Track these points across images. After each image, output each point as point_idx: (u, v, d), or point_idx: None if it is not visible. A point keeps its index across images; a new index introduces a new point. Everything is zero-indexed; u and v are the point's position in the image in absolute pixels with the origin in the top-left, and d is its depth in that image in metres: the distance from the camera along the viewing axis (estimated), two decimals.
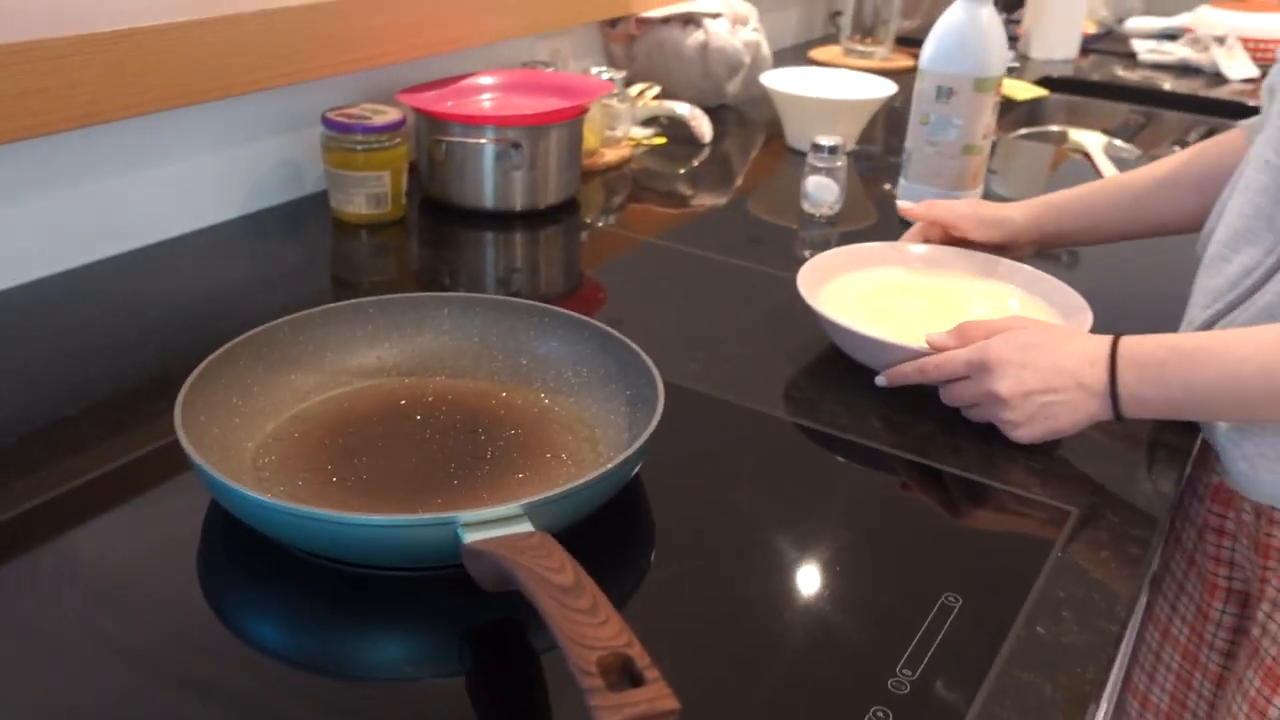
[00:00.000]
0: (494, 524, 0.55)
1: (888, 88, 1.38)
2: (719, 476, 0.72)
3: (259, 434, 0.70)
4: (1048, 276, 0.91)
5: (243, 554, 0.62)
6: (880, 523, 0.69)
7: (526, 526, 0.55)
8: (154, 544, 0.63)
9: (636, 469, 0.67)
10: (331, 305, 0.77)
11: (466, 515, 0.55)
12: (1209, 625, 0.88)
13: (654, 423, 0.64)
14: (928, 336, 0.79)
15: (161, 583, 0.60)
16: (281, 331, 0.75)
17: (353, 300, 0.78)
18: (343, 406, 0.74)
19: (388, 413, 0.74)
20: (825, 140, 1.14)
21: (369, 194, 1.06)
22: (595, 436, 0.72)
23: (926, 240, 0.99)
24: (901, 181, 1.17)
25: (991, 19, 1.09)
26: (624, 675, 0.42)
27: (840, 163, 1.15)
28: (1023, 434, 0.75)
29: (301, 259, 1.04)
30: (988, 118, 1.12)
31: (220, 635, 0.57)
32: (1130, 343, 0.72)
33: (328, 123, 1.05)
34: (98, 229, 0.97)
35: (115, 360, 0.82)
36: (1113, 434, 0.78)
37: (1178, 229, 0.96)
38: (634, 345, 0.72)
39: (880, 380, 0.81)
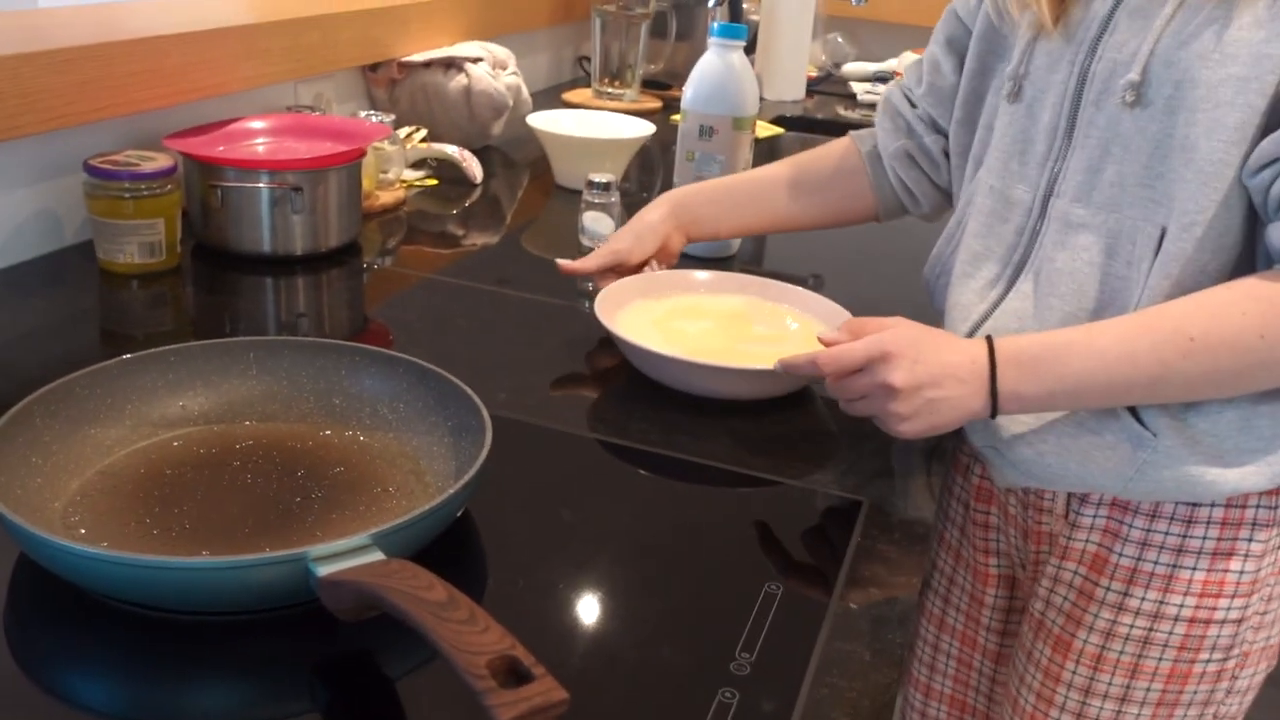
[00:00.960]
0: (345, 555, 0.56)
1: (646, 128, 1.46)
2: (543, 498, 0.75)
3: (65, 492, 0.67)
4: (817, 295, 1.00)
5: (58, 612, 0.59)
6: (700, 527, 0.74)
7: (379, 555, 0.57)
8: None
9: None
10: (130, 355, 0.75)
11: (318, 549, 0.56)
12: (984, 610, 0.99)
13: (486, 445, 0.67)
14: (820, 335, 0.80)
15: None
16: (78, 385, 0.71)
17: (152, 349, 0.76)
18: (151, 458, 0.72)
19: (202, 461, 0.72)
20: (599, 177, 1.20)
21: (141, 243, 1.02)
22: (420, 469, 0.73)
23: (608, 284, 1.00)
24: None
25: (743, 64, 1.19)
26: (512, 675, 0.45)
27: (614, 198, 1.21)
28: (907, 428, 0.75)
29: (68, 314, 0.99)
30: (746, 153, 1.21)
31: (42, 700, 0.54)
32: (1004, 342, 0.76)
33: (92, 170, 1.01)
34: None
35: None
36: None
37: (798, 226, 1.07)
38: (453, 377, 0.74)
39: (777, 367, 0.82)
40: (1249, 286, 0.72)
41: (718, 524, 0.75)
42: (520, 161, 1.60)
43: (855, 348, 0.76)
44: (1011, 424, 0.83)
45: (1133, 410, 0.78)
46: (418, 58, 1.51)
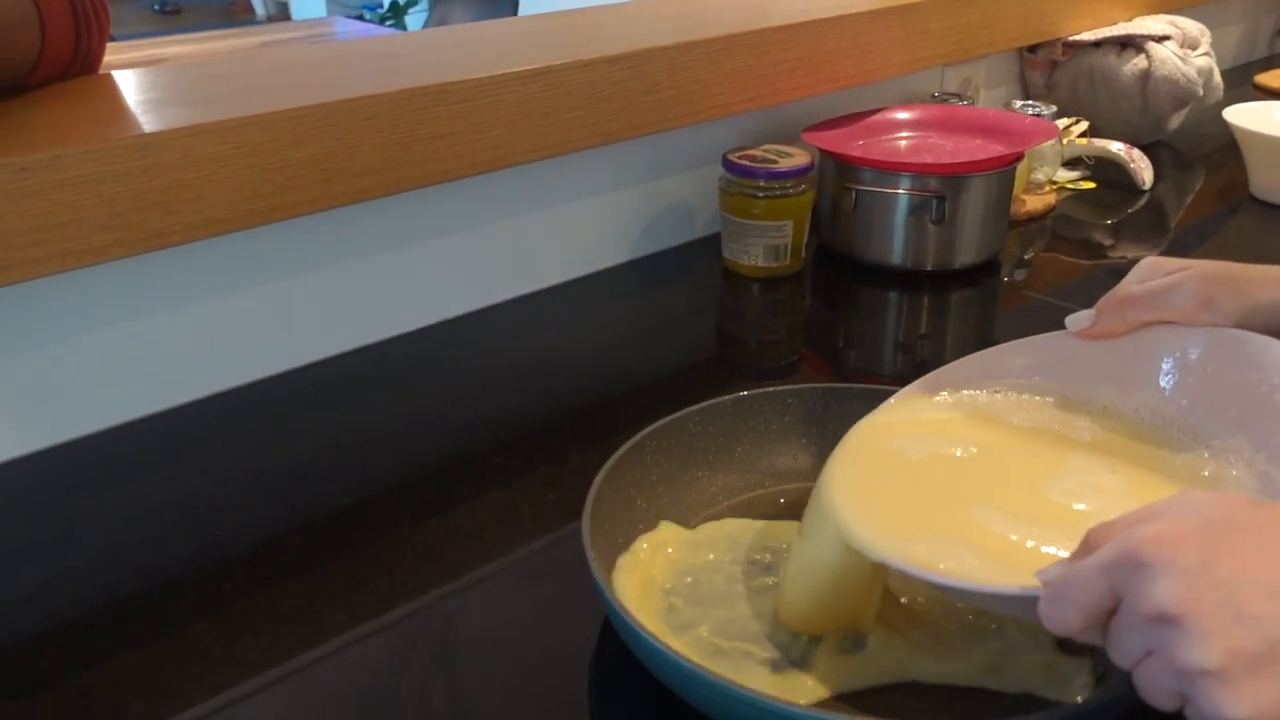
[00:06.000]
0: None
1: None
2: None
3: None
4: None
5: (644, 681, 0.52)
6: None
7: None
8: (544, 637, 0.55)
9: None
10: (745, 393, 0.67)
11: None
12: None
13: None
14: (1039, 574, 0.42)
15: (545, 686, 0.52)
16: (691, 422, 0.65)
17: (770, 388, 0.68)
18: (753, 514, 0.63)
19: None
20: None
21: (767, 245, 0.96)
22: None
23: None
24: None
25: None
26: None
27: None
28: (1237, 701, 0.35)
29: (689, 310, 0.96)
30: None
31: None
32: None
33: (729, 165, 0.96)
34: (491, 275, 0.93)
35: (501, 407, 0.76)
36: None
37: None
38: None
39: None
40: None
41: None
42: (1198, 162, 1.32)
43: (1085, 567, 0.40)
44: None
45: None
46: (1087, 36, 1.30)
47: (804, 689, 0.50)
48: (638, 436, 0.62)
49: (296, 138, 0.72)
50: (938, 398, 0.60)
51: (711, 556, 0.59)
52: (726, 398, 0.66)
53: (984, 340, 0.91)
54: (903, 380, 0.61)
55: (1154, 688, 0.38)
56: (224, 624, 0.57)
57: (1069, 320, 0.60)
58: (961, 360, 0.62)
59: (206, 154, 0.69)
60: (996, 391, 0.61)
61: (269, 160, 0.72)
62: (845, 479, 0.55)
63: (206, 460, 0.72)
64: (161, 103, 0.75)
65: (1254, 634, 0.35)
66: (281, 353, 0.82)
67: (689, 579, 0.58)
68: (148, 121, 0.69)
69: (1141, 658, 0.38)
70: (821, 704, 0.50)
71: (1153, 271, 0.58)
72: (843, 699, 0.50)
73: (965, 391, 0.61)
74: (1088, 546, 0.41)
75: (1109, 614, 0.39)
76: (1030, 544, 0.48)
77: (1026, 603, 0.42)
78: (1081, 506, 0.51)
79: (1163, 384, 0.57)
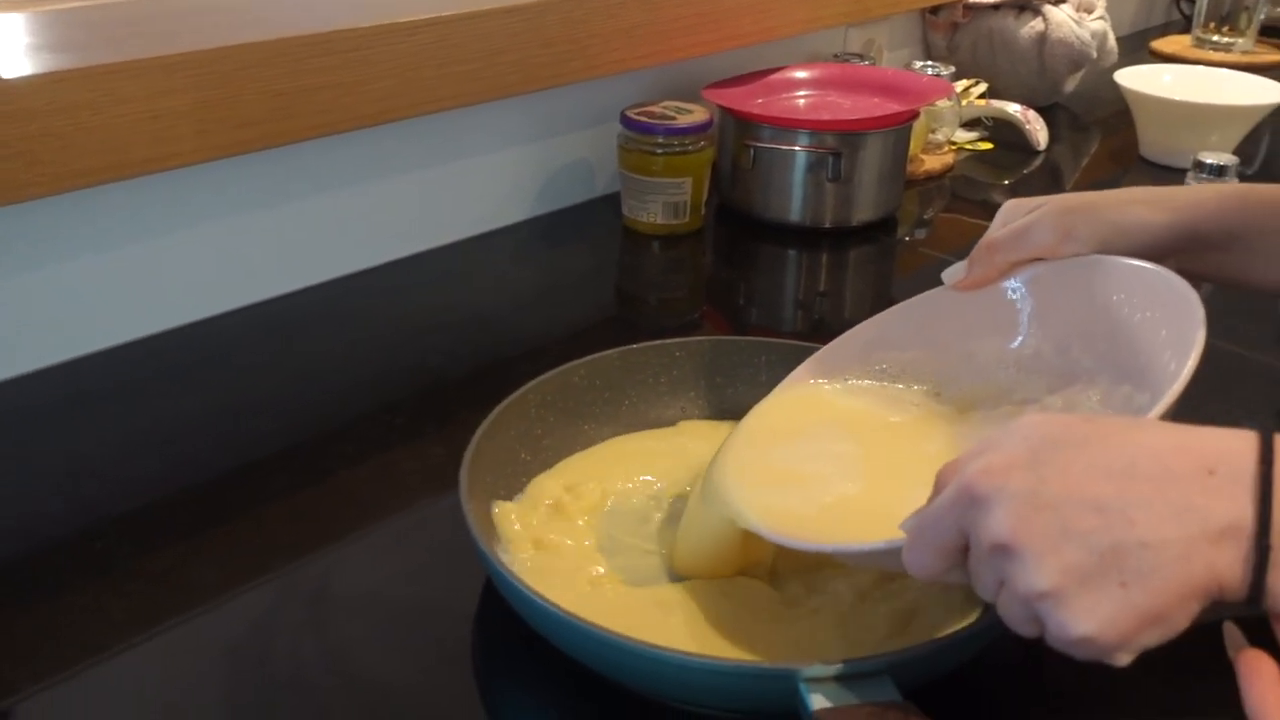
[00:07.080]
0: (846, 684, 0.43)
1: (1276, 91, 1.15)
2: None
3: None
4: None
5: (527, 638, 0.52)
6: None
7: (888, 689, 0.42)
8: (425, 605, 0.55)
9: None
10: (633, 346, 0.67)
11: (812, 670, 0.43)
12: None
13: None
14: (902, 524, 0.42)
15: (425, 642, 0.51)
16: (576, 375, 0.64)
17: (656, 341, 0.67)
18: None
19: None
20: (1213, 158, 0.94)
21: (666, 202, 0.96)
22: None
23: None
24: None
25: None
26: None
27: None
28: (1076, 617, 0.36)
29: (588, 268, 0.95)
30: None
31: None
32: None
33: (627, 122, 0.95)
34: (384, 232, 0.91)
35: (390, 365, 0.75)
36: None
37: None
38: None
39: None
40: None
41: None
42: (1094, 125, 1.35)
43: (932, 509, 0.40)
44: None
45: None
46: None
47: (694, 629, 0.51)
48: (520, 390, 0.61)
49: (169, 86, 0.70)
50: (816, 376, 0.62)
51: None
52: (613, 350, 0.66)
53: (881, 297, 0.93)
54: (800, 336, 0.62)
55: (1012, 616, 0.38)
56: (95, 584, 0.56)
57: (945, 275, 0.61)
58: (853, 331, 0.62)
59: (75, 101, 0.66)
60: (880, 366, 0.62)
61: (141, 109, 0.69)
62: (729, 454, 0.57)
63: (83, 419, 0.70)
64: (29, 48, 0.71)
65: (1082, 549, 0.35)
66: (164, 310, 0.80)
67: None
68: (9, 67, 0.66)
69: (997, 589, 0.38)
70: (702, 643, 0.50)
71: (1015, 212, 0.59)
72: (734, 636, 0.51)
73: (844, 369, 0.62)
74: (937, 488, 0.41)
75: (964, 552, 0.40)
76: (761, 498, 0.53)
77: (894, 555, 0.42)
78: (813, 468, 0.55)
79: (1033, 327, 0.58)
